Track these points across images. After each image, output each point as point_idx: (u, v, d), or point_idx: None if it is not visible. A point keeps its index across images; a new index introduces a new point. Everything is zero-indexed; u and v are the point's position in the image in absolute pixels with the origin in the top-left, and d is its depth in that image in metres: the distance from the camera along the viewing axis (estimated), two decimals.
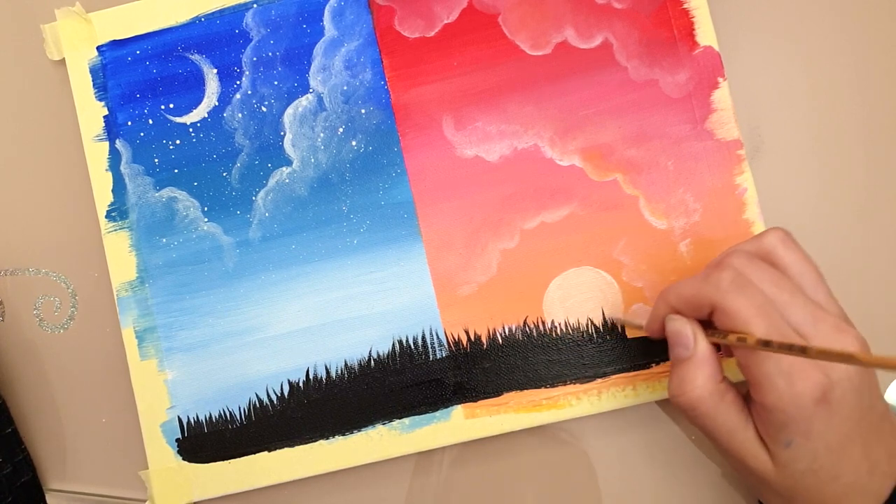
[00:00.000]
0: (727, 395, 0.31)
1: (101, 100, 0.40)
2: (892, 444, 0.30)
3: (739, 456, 0.31)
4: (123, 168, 0.40)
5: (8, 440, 0.39)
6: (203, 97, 0.40)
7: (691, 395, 0.30)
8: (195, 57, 0.40)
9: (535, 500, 0.39)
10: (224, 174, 0.39)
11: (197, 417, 0.39)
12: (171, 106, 0.40)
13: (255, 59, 0.39)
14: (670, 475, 0.38)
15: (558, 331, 0.38)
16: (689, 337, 0.31)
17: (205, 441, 0.39)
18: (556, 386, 0.38)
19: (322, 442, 0.38)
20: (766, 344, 0.28)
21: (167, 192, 0.40)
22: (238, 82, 0.39)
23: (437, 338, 0.38)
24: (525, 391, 0.38)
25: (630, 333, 0.37)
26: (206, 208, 0.39)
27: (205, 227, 0.39)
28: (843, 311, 0.31)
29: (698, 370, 0.30)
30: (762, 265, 0.30)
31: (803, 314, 0.29)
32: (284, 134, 0.39)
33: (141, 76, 0.40)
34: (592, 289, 0.38)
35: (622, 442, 0.39)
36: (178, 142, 0.40)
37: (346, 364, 0.39)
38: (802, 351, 0.27)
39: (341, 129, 0.39)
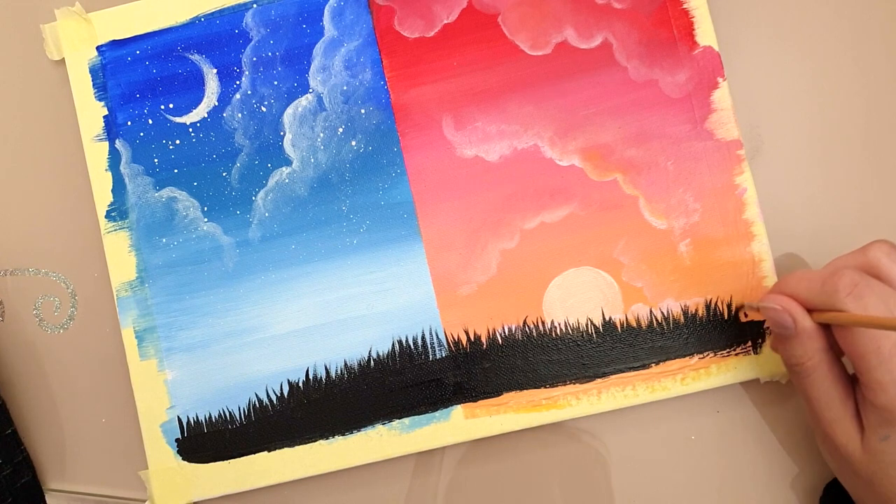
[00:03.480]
0: (833, 369, 0.32)
1: (100, 100, 0.40)
2: None
3: (830, 429, 0.32)
4: (123, 168, 0.40)
5: (7, 441, 0.39)
6: (203, 97, 0.40)
7: (792, 361, 0.32)
8: (195, 57, 0.40)
9: (536, 500, 0.39)
10: (224, 174, 0.39)
11: (197, 417, 0.39)
12: (171, 106, 0.40)
13: (254, 59, 0.39)
14: (672, 475, 0.39)
15: (558, 331, 0.38)
16: (787, 322, 0.32)
17: (205, 441, 0.39)
18: (556, 386, 0.38)
19: (322, 442, 0.38)
20: (881, 324, 0.28)
21: (167, 192, 0.40)
22: (238, 82, 0.39)
23: (437, 338, 0.38)
24: (525, 391, 0.38)
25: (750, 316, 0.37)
26: (205, 208, 0.39)
27: (205, 227, 0.39)
28: None
29: (801, 342, 0.32)
30: (873, 279, 0.31)
31: None
32: (284, 134, 0.39)
33: (141, 76, 0.40)
34: (592, 289, 0.38)
35: (623, 441, 0.39)
36: (177, 142, 0.40)
37: (346, 364, 0.39)
38: (878, 325, 0.28)
39: (341, 129, 0.39)
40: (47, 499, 0.41)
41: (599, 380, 0.38)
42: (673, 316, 0.38)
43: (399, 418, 0.38)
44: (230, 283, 0.39)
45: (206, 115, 0.40)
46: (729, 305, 0.37)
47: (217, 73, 0.40)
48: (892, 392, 0.29)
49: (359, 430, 0.38)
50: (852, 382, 0.32)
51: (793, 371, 0.33)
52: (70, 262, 0.41)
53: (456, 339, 0.38)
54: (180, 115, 0.40)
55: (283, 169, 0.39)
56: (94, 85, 0.40)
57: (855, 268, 0.31)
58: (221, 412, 0.39)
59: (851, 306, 0.30)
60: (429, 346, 0.38)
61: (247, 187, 0.39)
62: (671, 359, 0.37)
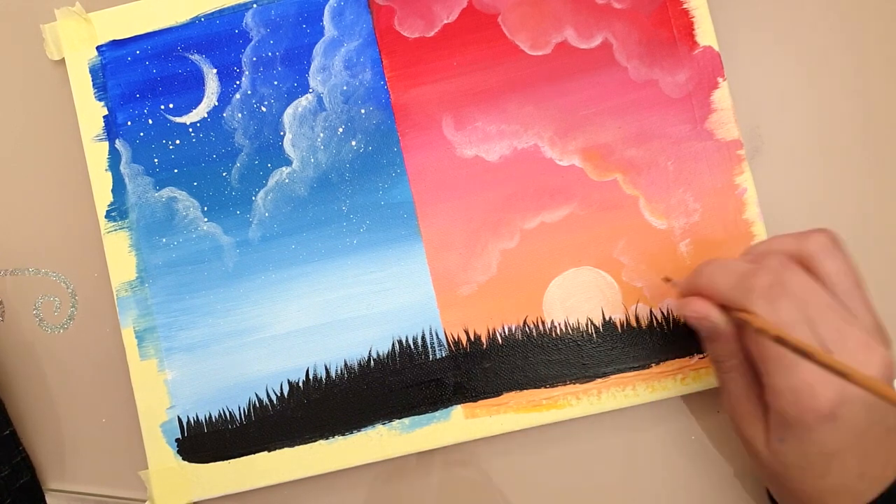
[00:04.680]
0: (752, 368, 0.31)
1: (100, 100, 0.40)
2: (894, 452, 0.30)
3: (741, 424, 0.32)
4: (123, 168, 0.40)
5: (6, 442, 0.39)
6: (203, 97, 0.40)
7: (713, 357, 0.33)
8: (195, 57, 0.40)
9: (536, 500, 0.39)
10: (224, 174, 0.39)
11: (197, 417, 0.39)
12: (171, 106, 0.40)
13: (254, 59, 0.39)
14: (672, 475, 0.38)
15: (558, 331, 0.38)
16: (707, 323, 0.31)
17: (205, 441, 0.39)
18: (556, 386, 0.38)
19: (322, 442, 0.38)
20: (780, 340, 0.28)
21: (167, 192, 0.40)
22: (238, 82, 0.39)
23: (437, 338, 0.38)
24: (525, 391, 0.38)
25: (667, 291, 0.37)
26: (205, 208, 0.39)
27: (205, 227, 0.39)
28: (881, 324, 0.31)
29: (724, 343, 0.32)
30: (798, 273, 0.30)
31: (832, 330, 0.29)
32: (284, 134, 0.39)
33: (141, 76, 0.40)
34: (592, 289, 0.38)
35: (623, 442, 0.39)
36: (177, 142, 0.40)
37: (346, 364, 0.39)
38: (807, 356, 0.27)
39: (341, 129, 0.39)
40: (47, 499, 0.41)
41: (599, 380, 0.38)
42: (673, 316, 0.38)
43: (399, 418, 0.38)
44: (230, 283, 0.39)
45: (206, 115, 0.40)
46: None
47: (217, 73, 0.40)
48: (788, 398, 0.29)
49: (359, 430, 0.38)
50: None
51: (714, 365, 0.33)
52: (70, 262, 0.41)
53: (456, 339, 0.38)
54: (180, 115, 0.40)
55: (283, 169, 0.39)
56: (94, 85, 0.40)
57: (788, 255, 0.30)
58: (221, 412, 0.39)
59: (763, 309, 0.29)
60: (429, 346, 0.38)
61: (247, 187, 0.39)
62: (671, 359, 0.37)
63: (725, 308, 0.31)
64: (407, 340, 0.38)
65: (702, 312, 0.31)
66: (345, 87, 0.39)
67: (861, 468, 0.29)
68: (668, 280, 0.36)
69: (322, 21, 0.39)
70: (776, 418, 0.30)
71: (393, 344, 0.38)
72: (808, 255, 0.30)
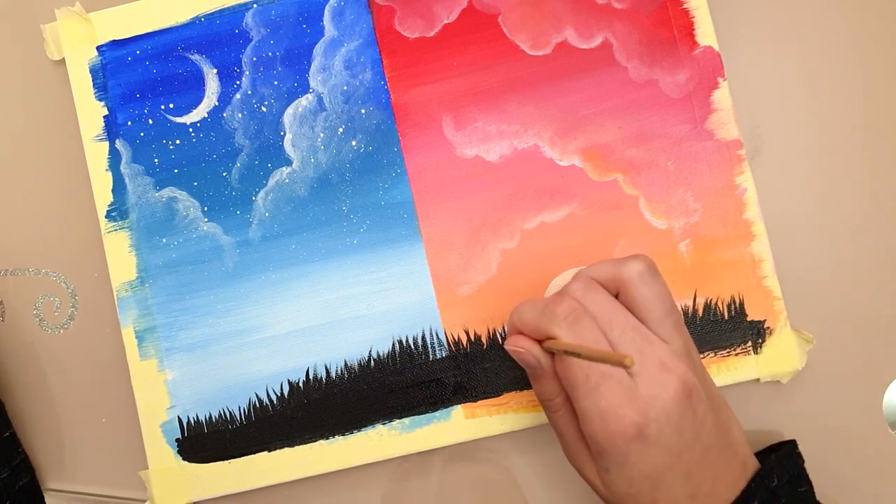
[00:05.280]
0: (568, 406, 0.32)
1: (101, 100, 0.40)
2: (721, 470, 0.30)
3: (577, 464, 0.32)
4: (123, 168, 0.40)
5: (6, 444, 0.39)
6: (203, 97, 0.40)
7: (541, 398, 0.33)
8: (195, 57, 0.40)
9: (536, 500, 0.39)
10: (224, 174, 0.39)
11: (197, 417, 0.39)
12: (171, 106, 0.40)
13: (255, 59, 0.39)
14: None
15: None
16: (531, 361, 0.32)
17: (205, 441, 0.39)
18: None
19: (322, 442, 0.38)
20: (568, 352, 0.29)
21: (167, 192, 0.40)
22: (238, 82, 0.39)
23: (437, 338, 0.38)
24: (525, 391, 0.38)
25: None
26: (206, 208, 0.39)
27: (205, 227, 0.39)
28: (690, 344, 0.31)
29: (549, 380, 0.32)
30: (601, 294, 0.31)
31: (632, 351, 0.30)
32: (284, 134, 0.39)
33: (141, 76, 0.40)
34: None
35: None
36: (178, 142, 0.40)
37: (346, 364, 0.39)
38: (578, 355, 0.29)
39: (341, 129, 0.39)
40: (47, 499, 0.41)
41: None
42: None
43: (399, 418, 0.38)
44: (230, 283, 0.39)
45: (206, 115, 0.40)
46: (729, 305, 0.37)
47: (217, 73, 0.40)
48: (597, 423, 0.29)
49: (359, 430, 0.38)
50: None
51: (544, 407, 0.33)
52: (70, 262, 0.41)
53: (456, 339, 0.38)
54: (180, 115, 0.40)
55: (284, 169, 0.39)
56: (94, 85, 0.40)
57: (593, 280, 0.32)
58: (221, 412, 0.39)
59: (564, 333, 0.30)
60: (429, 346, 0.38)
61: (247, 187, 0.39)
62: None
63: (540, 342, 0.31)
64: (407, 340, 0.38)
65: (520, 345, 0.32)
66: (345, 87, 0.39)
67: (688, 489, 0.30)
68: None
69: (322, 21, 0.39)
70: (594, 447, 0.30)
71: (393, 344, 0.38)
72: (622, 281, 0.31)
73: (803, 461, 0.34)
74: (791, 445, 0.34)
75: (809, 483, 0.33)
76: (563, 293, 0.31)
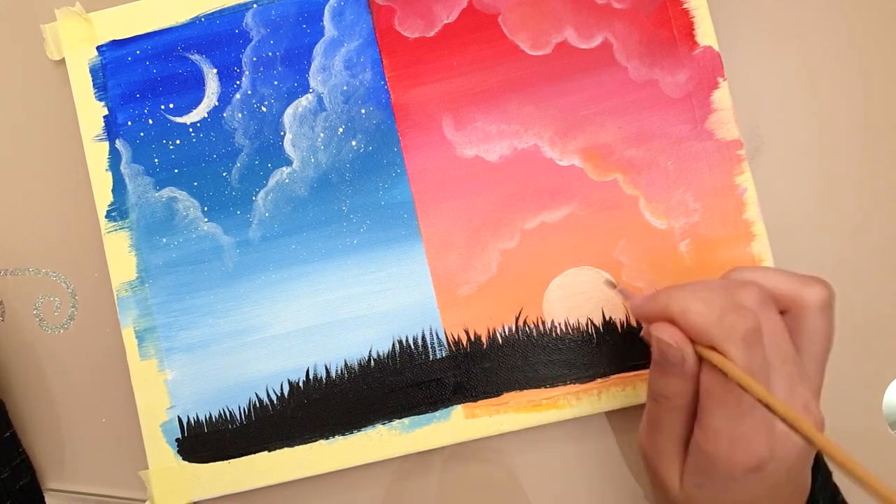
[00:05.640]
0: (692, 410, 0.30)
1: (100, 100, 0.40)
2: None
3: (659, 460, 0.31)
4: (123, 168, 0.40)
5: (6, 444, 0.39)
6: (203, 97, 0.40)
7: (662, 393, 0.30)
8: (195, 57, 0.40)
9: (536, 500, 0.39)
10: (224, 174, 0.39)
11: (197, 417, 0.39)
12: (171, 106, 0.40)
13: (255, 59, 0.39)
14: None
15: (558, 331, 0.38)
16: (675, 353, 0.29)
17: (205, 441, 0.39)
18: (556, 386, 0.38)
19: (322, 442, 0.38)
20: (749, 390, 0.26)
21: (167, 192, 0.40)
22: (238, 82, 0.39)
23: (437, 338, 0.38)
24: (525, 391, 0.38)
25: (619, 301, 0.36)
26: (206, 208, 0.39)
27: (205, 227, 0.39)
28: (820, 389, 0.31)
29: (682, 381, 0.29)
30: (774, 318, 0.29)
31: (785, 382, 0.28)
32: (284, 134, 0.39)
33: (141, 76, 0.40)
34: (592, 289, 0.38)
35: (623, 442, 0.39)
36: (178, 142, 0.40)
37: (346, 364, 0.39)
38: (773, 409, 0.26)
39: (341, 129, 0.39)
40: (47, 499, 0.41)
41: (599, 380, 0.38)
42: None
43: (399, 418, 0.38)
44: (230, 283, 0.39)
45: (206, 115, 0.40)
46: None
47: (217, 73, 0.40)
48: (724, 446, 0.28)
49: (359, 430, 0.38)
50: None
51: (656, 400, 0.30)
52: (70, 262, 0.41)
53: (456, 339, 0.38)
54: (180, 115, 0.40)
55: (284, 169, 0.39)
56: (94, 85, 0.40)
57: (783, 295, 0.29)
58: (221, 412, 0.39)
59: (741, 355, 0.27)
60: (429, 346, 0.38)
61: (247, 187, 0.39)
62: None
63: (692, 341, 0.28)
64: (407, 340, 0.38)
65: (677, 342, 0.28)
66: (345, 87, 0.39)
67: None
68: (612, 285, 0.35)
69: (322, 21, 0.39)
70: (701, 463, 0.29)
71: (393, 344, 0.38)
72: (801, 305, 0.29)
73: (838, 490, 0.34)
74: (825, 463, 0.33)
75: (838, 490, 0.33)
76: (741, 303, 0.28)
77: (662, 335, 0.29)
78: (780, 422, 0.26)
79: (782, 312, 0.29)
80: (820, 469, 0.32)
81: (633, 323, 0.38)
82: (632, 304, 0.31)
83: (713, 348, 0.27)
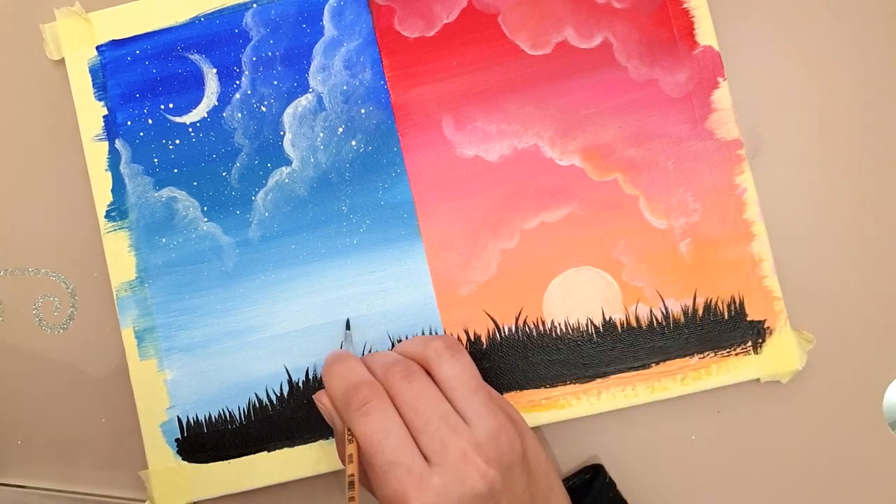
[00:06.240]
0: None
1: (100, 100, 0.40)
2: None
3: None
4: (123, 168, 0.40)
5: None
6: (203, 97, 0.40)
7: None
8: (195, 57, 0.40)
9: None
10: (224, 174, 0.39)
11: (197, 417, 0.39)
12: (171, 106, 0.40)
13: (254, 58, 0.39)
14: (672, 475, 0.38)
15: (558, 331, 0.38)
16: (327, 418, 0.34)
17: (204, 441, 0.39)
18: (556, 386, 0.38)
19: (322, 442, 0.38)
20: (351, 478, 0.31)
21: (167, 191, 0.39)
22: (238, 82, 0.39)
23: None
24: (525, 391, 0.38)
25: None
26: (205, 208, 0.39)
27: (204, 227, 0.39)
28: (501, 420, 0.31)
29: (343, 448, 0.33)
30: (417, 379, 0.31)
31: (435, 441, 0.30)
32: (284, 134, 0.39)
33: (140, 76, 0.40)
34: (592, 289, 0.38)
35: (623, 441, 0.39)
36: (177, 141, 0.40)
37: None
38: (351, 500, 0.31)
39: (341, 129, 0.39)
40: (47, 499, 0.41)
41: (599, 380, 0.38)
42: (673, 316, 0.38)
43: None
44: (230, 282, 0.39)
45: (205, 115, 0.40)
46: (729, 305, 0.37)
47: (217, 72, 0.40)
48: (384, 497, 0.30)
49: None
50: None
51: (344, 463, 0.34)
52: (70, 262, 0.41)
53: (456, 338, 0.38)
54: (180, 115, 0.40)
55: (283, 169, 0.39)
56: (93, 85, 0.40)
57: (417, 357, 0.33)
58: (221, 412, 0.39)
59: (358, 423, 0.31)
60: None
61: (247, 187, 0.39)
62: (671, 359, 0.37)
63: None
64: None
65: (323, 402, 0.34)
66: (345, 87, 0.39)
67: None
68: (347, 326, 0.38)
69: (322, 21, 0.39)
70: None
71: (393, 344, 0.38)
72: (425, 360, 0.32)
73: (614, 488, 0.35)
74: (601, 481, 0.35)
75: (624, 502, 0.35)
76: (364, 380, 0.32)
77: (316, 398, 0.35)
78: (439, 473, 0.29)
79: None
80: (590, 497, 0.34)
81: (633, 323, 0.38)
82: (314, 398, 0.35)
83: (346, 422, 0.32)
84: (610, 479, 0.36)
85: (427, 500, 0.29)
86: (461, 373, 0.32)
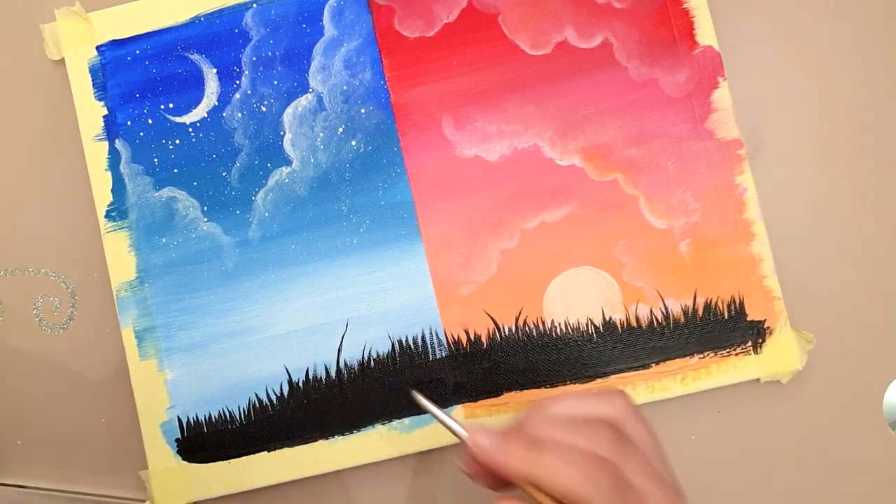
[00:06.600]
0: None
1: (100, 99, 0.40)
2: None
3: None
4: (123, 168, 0.40)
5: None
6: (203, 97, 0.40)
7: None
8: (195, 57, 0.40)
9: None
10: (224, 174, 0.39)
11: (197, 417, 0.39)
12: (171, 106, 0.40)
13: (254, 58, 0.39)
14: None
15: (558, 331, 0.38)
16: None
17: (205, 441, 0.39)
18: (556, 386, 0.38)
19: (322, 442, 0.38)
20: None
21: (167, 191, 0.39)
22: (238, 82, 0.39)
23: (437, 338, 0.38)
24: (525, 391, 0.38)
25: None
26: (205, 208, 0.39)
27: (204, 227, 0.39)
28: (678, 482, 0.30)
29: None
30: (638, 432, 0.29)
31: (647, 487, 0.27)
32: (284, 134, 0.39)
33: (140, 76, 0.40)
34: (592, 289, 0.38)
35: None
36: (177, 141, 0.40)
37: (346, 364, 0.39)
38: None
39: (341, 129, 0.39)
40: (47, 499, 0.41)
41: (599, 380, 0.38)
42: (673, 316, 0.38)
43: (399, 418, 0.38)
44: (230, 282, 0.39)
45: (205, 115, 0.40)
46: (729, 305, 0.37)
47: (217, 72, 0.40)
48: None
49: (359, 430, 0.38)
50: None
51: None
52: (70, 262, 0.41)
53: (456, 338, 0.38)
54: (180, 115, 0.40)
55: (283, 169, 0.39)
56: (93, 85, 0.40)
57: (603, 418, 0.29)
58: (221, 412, 0.39)
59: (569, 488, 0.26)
60: (429, 346, 0.38)
61: (247, 187, 0.39)
62: (671, 359, 0.37)
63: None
64: (407, 340, 0.38)
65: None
66: (345, 87, 0.39)
67: None
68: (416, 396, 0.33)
69: (322, 21, 0.39)
70: None
71: (393, 344, 0.38)
72: (614, 417, 0.29)
73: None
74: None
75: None
76: (597, 453, 0.28)
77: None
78: None
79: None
80: None
81: (633, 323, 0.38)
82: (475, 444, 0.29)
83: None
84: None
85: None
86: (652, 433, 0.29)
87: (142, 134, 0.40)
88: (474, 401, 0.38)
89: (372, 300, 0.39)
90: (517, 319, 0.38)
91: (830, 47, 0.39)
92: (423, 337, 0.38)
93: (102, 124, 0.40)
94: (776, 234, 0.38)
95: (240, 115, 0.39)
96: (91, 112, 0.40)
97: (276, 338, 0.39)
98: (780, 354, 0.37)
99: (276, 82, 0.39)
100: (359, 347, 0.39)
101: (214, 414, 0.39)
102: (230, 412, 0.39)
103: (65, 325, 0.41)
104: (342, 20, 0.39)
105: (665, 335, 0.38)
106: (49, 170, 0.41)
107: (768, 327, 0.37)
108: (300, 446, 0.38)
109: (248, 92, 0.39)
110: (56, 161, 0.41)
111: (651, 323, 0.38)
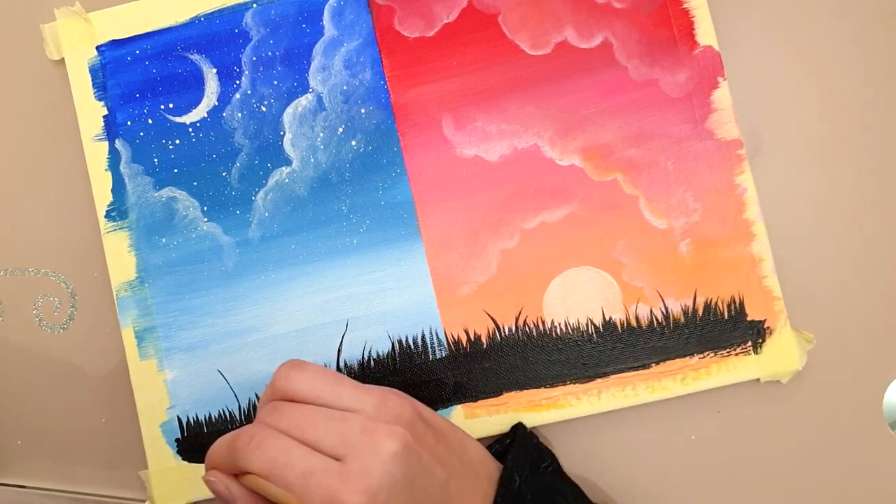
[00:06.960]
0: None
1: (100, 99, 0.40)
2: (468, 495, 0.31)
3: None
4: (123, 168, 0.40)
5: None
6: (203, 97, 0.40)
7: None
8: (195, 57, 0.40)
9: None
10: (224, 174, 0.39)
11: (197, 417, 0.39)
12: (171, 106, 0.40)
13: (254, 58, 0.39)
14: (672, 475, 0.38)
15: (558, 331, 0.38)
16: (225, 493, 0.31)
17: (205, 441, 0.39)
18: (556, 386, 0.38)
19: None
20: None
21: (167, 191, 0.39)
22: (238, 82, 0.39)
23: (437, 338, 0.38)
24: (525, 391, 0.38)
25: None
26: (205, 208, 0.39)
27: (204, 227, 0.39)
28: (379, 391, 0.31)
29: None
30: (283, 408, 0.30)
31: (332, 438, 0.29)
32: (284, 134, 0.39)
33: (140, 76, 0.40)
34: (592, 289, 0.38)
35: (623, 441, 0.39)
36: (177, 141, 0.40)
37: (345, 364, 0.39)
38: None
39: (341, 129, 0.39)
40: (47, 499, 0.41)
41: (599, 380, 0.38)
42: (673, 316, 0.38)
43: None
44: (230, 282, 0.39)
45: (205, 115, 0.40)
46: (729, 305, 0.37)
47: (217, 72, 0.40)
48: None
49: None
50: None
51: None
52: (70, 262, 0.41)
53: (456, 338, 0.38)
54: (180, 115, 0.40)
55: (283, 169, 0.39)
56: (93, 85, 0.40)
57: (269, 401, 0.31)
58: (222, 412, 0.39)
59: (258, 462, 0.29)
60: (429, 345, 0.38)
61: (247, 187, 0.39)
62: (671, 359, 0.37)
63: (238, 476, 0.31)
64: (407, 340, 0.38)
65: (218, 488, 0.31)
66: (345, 87, 0.39)
67: None
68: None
69: (322, 21, 0.39)
70: None
71: (393, 344, 0.38)
72: (280, 390, 0.31)
73: (536, 438, 0.35)
74: (522, 432, 0.35)
75: (551, 455, 0.35)
76: (244, 429, 0.31)
77: (206, 476, 0.32)
78: (352, 460, 0.28)
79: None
80: (514, 447, 0.34)
81: (633, 323, 0.38)
82: (203, 478, 0.32)
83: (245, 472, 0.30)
84: (530, 430, 0.36)
85: (357, 488, 0.28)
86: (314, 376, 0.31)
87: (142, 134, 0.40)
88: (474, 401, 0.38)
89: (372, 300, 0.39)
90: (517, 319, 0.38)
91: (830, 47, 0.39)
92: (422, 337, 0.38)
93: (102, 124, 0.40)
94: (776, 234, 0.38)
95: (240, 115, 0.39)
96: (91, 112, 0.40)
97: (276, 338, 0.39)
98: (780, 354, 0.37)
99: (276, 82, 0.39)
100: (359, 347, 0.39)
101: (214, 414, 0.39)
102: (230, 412, 0.39)
103: (65, 324, 0.41)
104: (342, 20, 0.39)
105: (665, 335, 0.38)
106: (49, 170, 0.41)
107: (768, 327, 0.37)
108: None
109: (248, 92, 0.39)
110: (56, 161, 0.41)
111: (651, 323, 0.38)
